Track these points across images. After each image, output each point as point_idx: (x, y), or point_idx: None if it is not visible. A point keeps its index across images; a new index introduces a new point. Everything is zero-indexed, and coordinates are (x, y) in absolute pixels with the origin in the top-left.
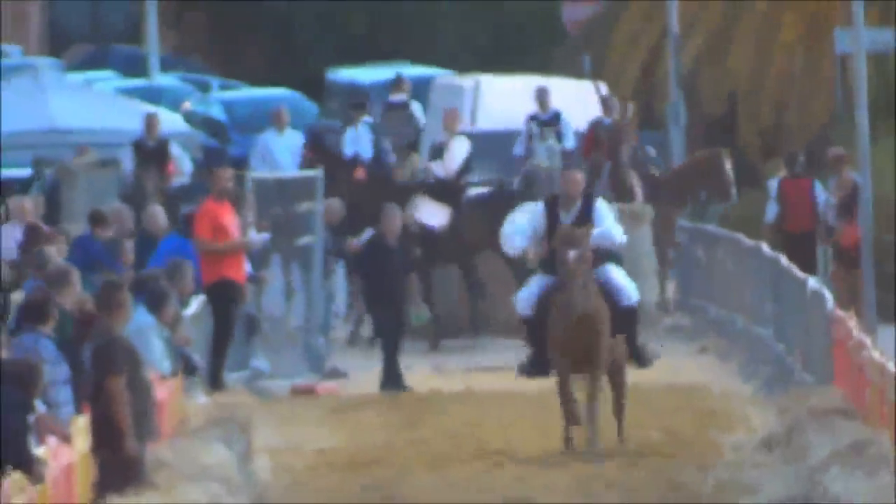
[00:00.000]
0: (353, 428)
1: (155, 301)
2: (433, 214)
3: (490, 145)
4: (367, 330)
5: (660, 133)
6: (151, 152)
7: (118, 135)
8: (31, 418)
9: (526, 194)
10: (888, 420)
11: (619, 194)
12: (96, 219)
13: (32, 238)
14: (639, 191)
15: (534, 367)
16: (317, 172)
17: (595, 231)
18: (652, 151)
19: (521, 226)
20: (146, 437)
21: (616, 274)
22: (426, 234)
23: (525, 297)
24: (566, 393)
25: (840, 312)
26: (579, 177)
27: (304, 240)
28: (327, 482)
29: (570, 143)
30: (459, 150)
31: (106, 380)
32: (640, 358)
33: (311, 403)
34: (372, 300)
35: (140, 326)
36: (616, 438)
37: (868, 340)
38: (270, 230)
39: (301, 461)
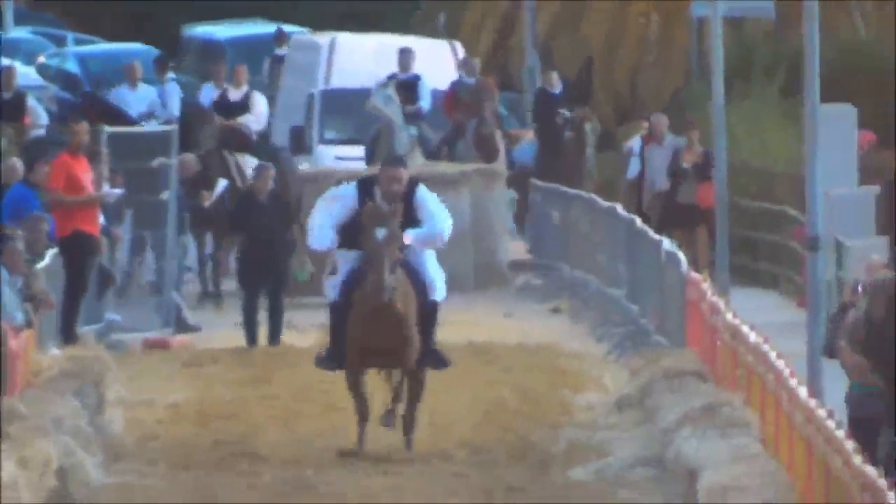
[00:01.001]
0: (205, 382)
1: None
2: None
3: (345, 103)
4: (218, 285)
5: (515, 95)
6: (7, 104)
7: None
8: None
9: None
10: (740, 383)
11: (484, 153)
12: None
13: None
14: (502, 149)
15: (332, 360)
16: (171, 127)
17: (417, 232)
18: (504, 112)
19: (327, 218)
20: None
21: (429, 263)
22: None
23: (333, 282)
24: (356, 389)
25: (694, 275)
26: (403, 174)
27: (158, 195)
28: (179, 436)
29: (425, 103)
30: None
31: None
32: (432, 359)
33: (164, 357)
34: (243, 257)
35: None
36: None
37: (721, 303)
38: (124, 185)
39: (153, 415)
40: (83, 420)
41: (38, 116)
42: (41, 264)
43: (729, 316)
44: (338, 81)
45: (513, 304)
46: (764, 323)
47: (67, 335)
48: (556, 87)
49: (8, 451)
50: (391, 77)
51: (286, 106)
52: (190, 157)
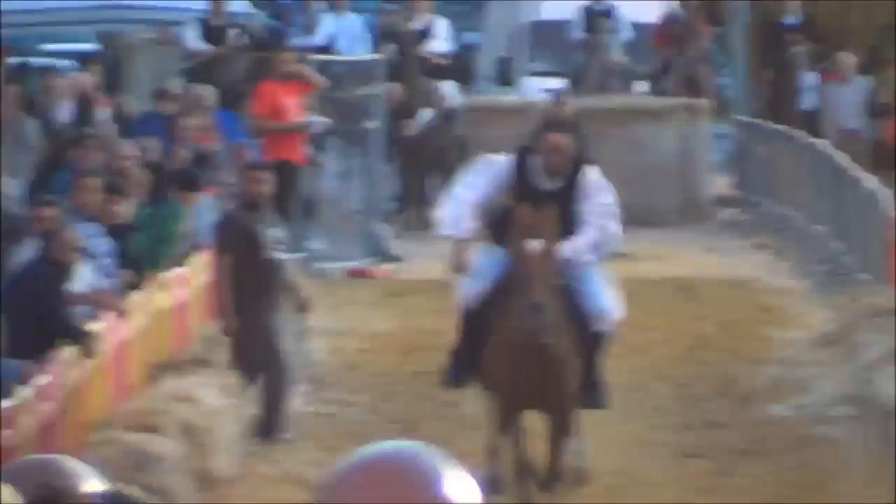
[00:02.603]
0: (406, 312)
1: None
2: None
3: (551, 35)
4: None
5: (722, 29)
6: (215, 31)
7: (183, 12)
8: (73, 287)
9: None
10: None
11: (690, 90)
12: (160, 95)
13: (84, 105)
14: (709, 86)
15: (461, 376)
16: (378, 56)
17: (579, 242)
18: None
19: (467, 196)
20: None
21: (593, 281)
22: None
23: (473, 287)
24: (511, 439)
25: (894, 213)
26: (565, 141)
27: (365, 124)
28: (380, 365)
29: (626, 34)
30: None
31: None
32: (591, 396)
33: (367, 287)
34: None
35: (201, 205)
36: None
37: None
38: (330, 113)
39: (355, 344)
40: (287, 348)
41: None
42: None
43: None
44: (545, 13)
45: (716, 239)
46: None
47: None
48: (792, 16)
49: (212, 378)
50: (586, 8)
51: (493, 36)
52: (396, 87)
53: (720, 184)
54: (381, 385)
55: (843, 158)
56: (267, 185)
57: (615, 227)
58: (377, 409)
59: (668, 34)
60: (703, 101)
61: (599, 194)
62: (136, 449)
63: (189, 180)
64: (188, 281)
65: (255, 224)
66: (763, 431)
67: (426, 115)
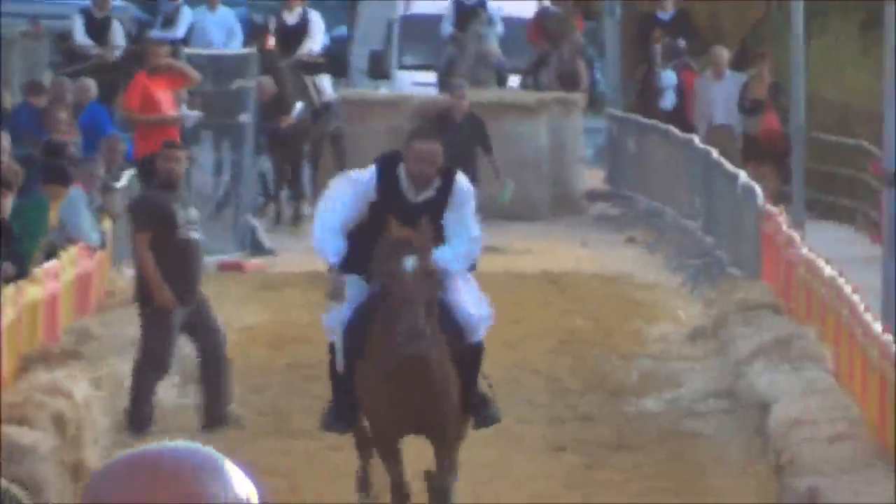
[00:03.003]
0: (278, 306)
1: (74, 173)
2: None
3: (423, 29)
4: (298, 208)
5: (594, 24)
6: (98, 24)
7: (59, 5)
8: None
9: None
10: (814, 316)
11: (566, 85)
12: (31, 88)
13: None
14: (585, 81)
15: (342, 419)
16: (250, 50)
17: (451, 254)
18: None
19: (333, 216)
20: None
21: (464, 291)
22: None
23: (337, 318)
24: (392, 465)
25: (770, 207)
26: (437, 149)
27: (236, 117)
28: (251, 358)
29: (498, 29)
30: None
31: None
32: (478, 413)
33: (239, 280)
34: None
35: (70, 198)
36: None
37: (797, 236)
38: (202, 107)
39: (227, 337)
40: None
41: (117, 37)
42: (118, 185)
43: (804, 249)
44: (416, 8)
45: (588, 233)
46: (839, 257)
47: None
48: (667, 11)
49: (82, 371)
50: (456, 2)
51: (366, 30)
52: (267, 80)
53: (593, 178)
54: (252, 378)
55: (714, 153)
56: (181, 163)
57: (476, 231)
58: (248, 402)
59: (542, 29)
60: (576, 96)
61: (468, 202)
62: (8, 441)
63: (57, 173)
64: (59, 274)
65: (170, 203)
66: (634, 425)
67: (299, 108)
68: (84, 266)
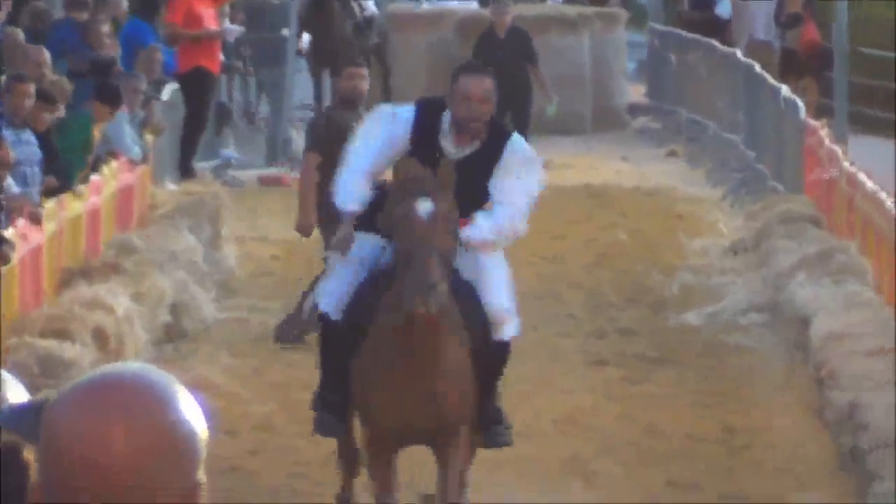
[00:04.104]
0: None
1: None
2: None
3: None
4: None
5: None
6: None
7: None
8: None
9: None
10: (856, 230)
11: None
12: (73, 2)
13: None
14: None
15: (333, 418)
16: None
17: (486, 220)
18: None
19: (363, 160)
20: None
21: (494, 277)
22: None
23: (331, 289)
24: (383, 482)
25: (812, 121)
26: (490, 85)
27: (278, 31)
28: (292, 272)
29: None
30: None
31: None
32: (489, 430)
33: (280, 194)
34: None
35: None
36: None
37: (839, 150)
38: (245, 22)
39: (268, 251)
40: (198, 255)
41: None
42: (162, 99)
43: (846, 163)
44: None
45: (630, 147)
46: (881, 171)
47: (185, 170)
48: None
49: (123, 286)
50: None
51: None
52: None
53: (635, 92)
54: (292, 291)
55: (757, 67)
56: (364, 81)
57: (523, 205)
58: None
59: None
60: (618, 10)
61: (524, 172)
62: (48, 354)
63: (109, 93)
64: (100, 188)
65: (350, 122)
66: (675, 339)
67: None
68: (126, 180)
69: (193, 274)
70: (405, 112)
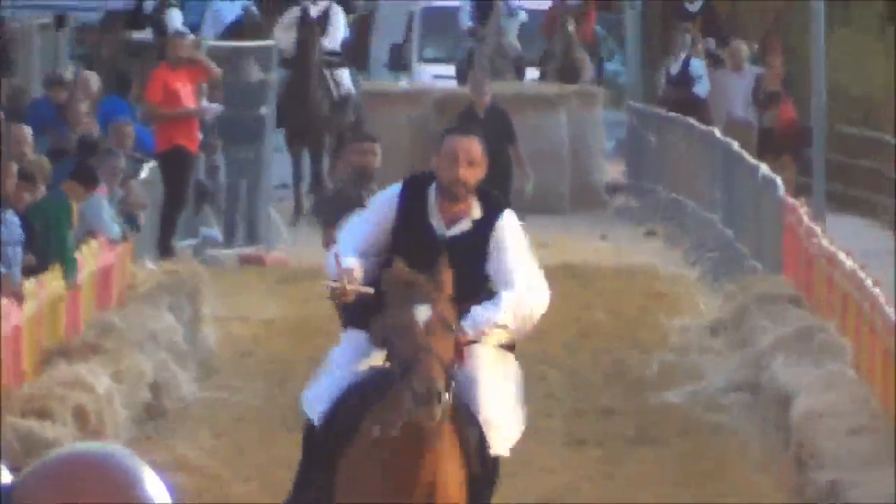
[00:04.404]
0: (299, 299)
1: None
2: None
3: (443, 22)
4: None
5: (615, 16)
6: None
7: None
8: None
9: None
10: (836, 309)
11: (566, 77)
12: (51, 81)
13: None
14: (589, 69)
15: None
16: (271, 42)
17: (486, 312)
18: (602, 33)
19: (349, 240)
20: None
21: (488, 378)
22: None
23: (318, 394)
24: None
25: (791, 199)
26: (478, 146)
27: (259, 110)
28: (273, 352)
29: (520, 19)
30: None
31: None
32: None
33: (259, 273)
34: None
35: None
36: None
37: (817, 229)
38: (223, 100)
39: (247, 330)
40: (178, 335)
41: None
42: (140, 177)
43: (825, 242)
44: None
45: (609, 225)
46: (859, 250)
47: (164, 249)
48: (694, 3)
49: (103, 365)
50: None
51: (385, 23)
52: (291, 73)
53: (613, 170)
54: (274, 371)
55: (735, 145)
56: (374, 156)
57: (534, 278)
58: (270, 395)
59: (555, 21)
60: (595, 89)
61: (516, 243)
62: (29, 433)
63: (86, 173)
64: (81, 267)
65: (362, 198)
66: (655, 419)
67: (322, 101)
68: (105, 259)
69: (173, 353)
70: (392, 190)
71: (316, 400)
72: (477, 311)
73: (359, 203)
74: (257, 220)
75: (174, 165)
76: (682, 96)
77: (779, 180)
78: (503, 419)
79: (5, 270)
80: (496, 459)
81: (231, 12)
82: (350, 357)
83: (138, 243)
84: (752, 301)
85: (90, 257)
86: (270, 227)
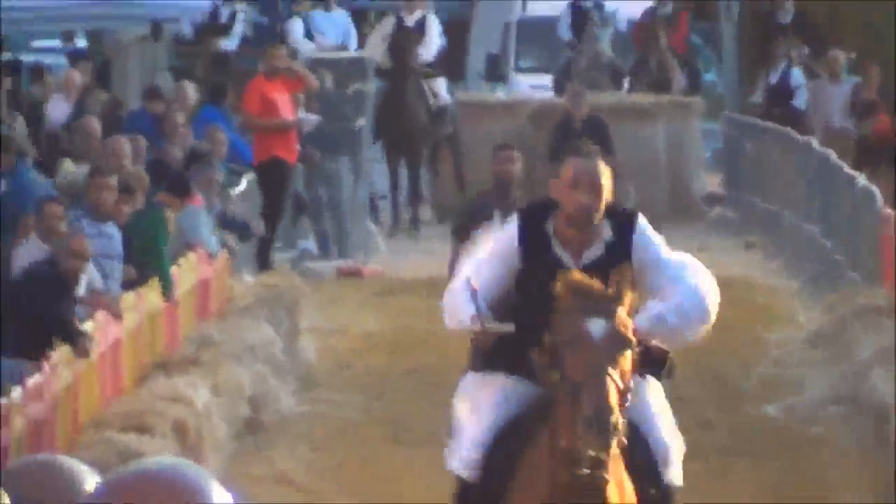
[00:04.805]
0: (397, 312)
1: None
2: None
3: (540, 31)
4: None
5: (711, 25)
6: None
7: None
8: (79, 292)
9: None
10: None
11: (658, 87)
12: (149, 93)
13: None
14: (679, 80)
15: None
16: (369, 53)
17: (659, 313)
18: (698, 43)
19: (468, 290)
20: None
21: (654, 402)
22: None
23: (464, 445)
24: None
25: (889, 210)
26: (597, 168)
27: (354, 122)
28: (372, 365)
29: (617, 28)
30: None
31: None
32: None
33: (357, 286)
34: None
35: (188, 206)
36: None
37: None
38: (321, 111)
39: (346, 343)
40: (277, 348)
41: (232, 39)
42: (238, 189)
43: None
44: (533, 9)
45: (707, 237)
46: None
47: (263, 262)
48: (786, 14)
49: (202, 379)
50: (571, 4)
51: (482, 32)
52: (386, 85)
53: (711, 181)
54: (372, 384)
55: (833, 156)
56: (514, 163)
57: (693, 276)
58: (369, 409)
59: (647, 29)
60: (694, 99)
61: (654, 248)
62: (128, 449)
63: (180, 185)
64: (178, 281)
65: (492, 209)
66: (755, 432)
67: (419, 112)
68: (203, 272)
69: (272, 366)
70: (510, 226)
71: (464, 452)
72: (656, 314)
73: (488, 216)
74: (357, 232)
75: (272, 176)
76: (782, 106)
77: (877, 191)
78: (675, 444)
79: (103, 286)
80: (670, 490)
81: (326, 22)
82: (493, 399)
83: (236, 256)
84: (850, 313)
85: (188, 270)
86: (368, 239)
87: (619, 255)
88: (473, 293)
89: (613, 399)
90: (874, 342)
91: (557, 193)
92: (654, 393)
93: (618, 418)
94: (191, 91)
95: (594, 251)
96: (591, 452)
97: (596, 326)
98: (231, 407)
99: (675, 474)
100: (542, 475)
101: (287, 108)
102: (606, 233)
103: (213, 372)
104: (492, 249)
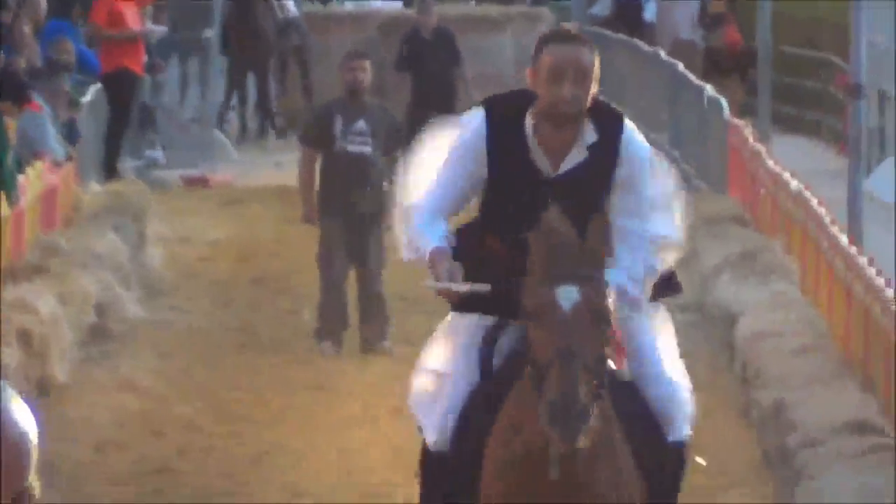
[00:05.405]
0: (244, 220)
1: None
2: None
3: None
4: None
5: None
6: None
7: None
8: None
9: None
10: (781, 229)
11: None
12: None
13: None
14: None
15: None
16: None
17: (623, 268)
18: None
19: (432, 200)
20: None
21: (660, 358)
22: None
23: (435, 413)
24: None
25: (736, 120)
26: (586, 56)
27: (203, 32)
28: (218, 273)
29: None
30: None
31: None
32: None
33: (204, 195)
34: (413, 98)
35: (33, 113)
36: None
37: (763, 149)
38: (169, 21)
39: (193, 252)
40: (123, 256)
41: None
42: (84, 99)
43: (770, 162)
44: None
45: None
46: (805, 170)
47: (109, 170)
48: None
49: (48, 287)
50: None
51: None
52: None
53: None
54: (219, 292)
55: (680, 66)
56: (365, 72)
57: (663, 225)
58: (215, 316)
59: None
60: (542, 10)
61: (645, 171)
62: None
63: (16, 91)
64: (25, 189)
65: (335, 115)
66: None
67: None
68: (50, 181)
69: (119, 274)
70: (473, 120)
71: (433, 420)
72: (615, 274)
73: (329, 120)
74: (204, 141)
75: (119, 87)
76: (629, 18)
77: (724, 101)
78: (680, 395)
79: None
80: (681, 445)
81: None
82: (465, 360)
83: (83, 165)
84: (697, 221)
85: (35, 178)
86: (216, 147)
87: (602, 162)
88: (438, 224)
89: (583, 385)
90: (720, 250)
91: (535, 84)
92: (653, 331)
93: (586, 409)
94: (40, 1)
95: (575, 156)
96: (559, 451)
97: (566, 295)
98: (77, 315)
99: (681, 431)
100: (522, 447)
101: (134, 19)
102: (590, 134)
103: (59, 280)
104: (450, 153)
